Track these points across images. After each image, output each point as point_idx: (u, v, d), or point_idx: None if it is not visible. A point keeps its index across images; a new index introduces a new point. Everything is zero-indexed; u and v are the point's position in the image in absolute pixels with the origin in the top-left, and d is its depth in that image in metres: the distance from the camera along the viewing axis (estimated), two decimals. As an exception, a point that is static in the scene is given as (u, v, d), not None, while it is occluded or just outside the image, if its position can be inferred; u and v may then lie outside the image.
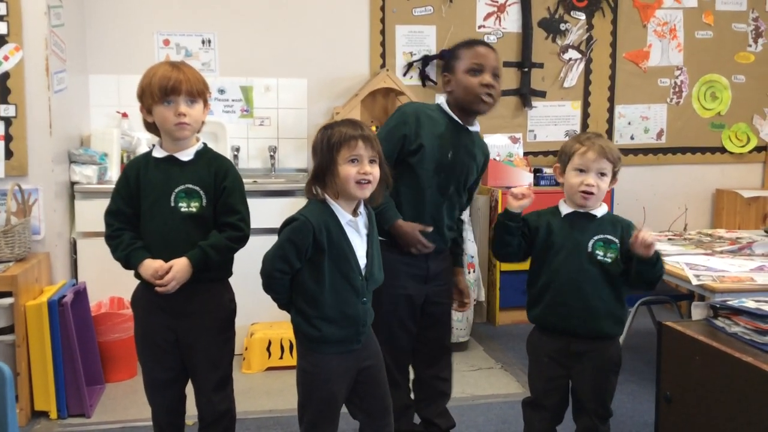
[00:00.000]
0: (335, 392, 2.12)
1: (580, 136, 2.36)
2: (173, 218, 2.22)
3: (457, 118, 2.52)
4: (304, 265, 2.06)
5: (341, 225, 2.07)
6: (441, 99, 2.62)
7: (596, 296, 2.26)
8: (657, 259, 2.21)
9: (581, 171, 2.27)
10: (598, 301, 2.26)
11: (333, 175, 2.04)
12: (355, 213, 2.11)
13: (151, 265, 2.21)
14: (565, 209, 2.34)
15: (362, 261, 2.11)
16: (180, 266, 2.19)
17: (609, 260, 2.26)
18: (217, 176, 2.26)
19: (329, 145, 2.04)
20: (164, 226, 2.23)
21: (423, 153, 2.46)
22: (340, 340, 2.11)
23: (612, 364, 2.32)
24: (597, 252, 2.26)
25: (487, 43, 2.56)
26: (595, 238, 2.28)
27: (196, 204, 2.23)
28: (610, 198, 4.48)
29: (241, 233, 2.27)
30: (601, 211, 2.32)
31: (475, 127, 2.60)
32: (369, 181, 2.04)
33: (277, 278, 2.06)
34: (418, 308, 2.57)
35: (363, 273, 2.11)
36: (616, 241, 2.28)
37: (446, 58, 2.60)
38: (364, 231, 2.14)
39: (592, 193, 2.26)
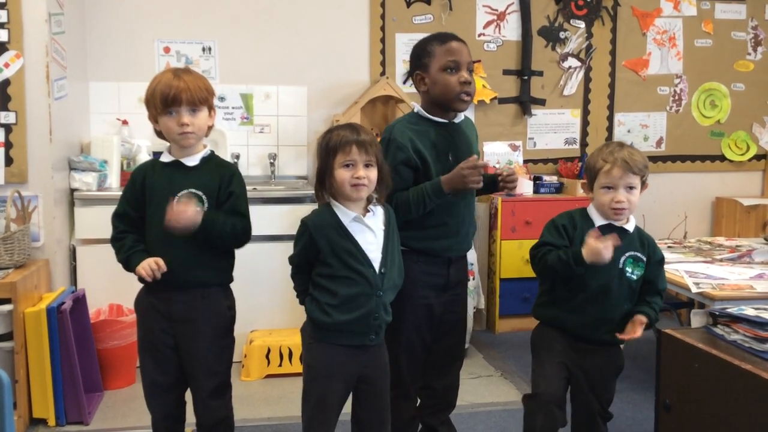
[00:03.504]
0: (334, 389, 2.16)
1: (603, 150, 2.31)
2: None
3: (439, 118, 2.47)
4: (315, 262, 2.16)
5: (342, 224, 2.13)
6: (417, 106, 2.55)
7: (618, 310, 2.29)
8: (654, 322, 2.29)
9: (609, 188, 2.26)
10: (618, 314, 2.30)
11: (330, 179, 2.12)
12: (366, 210, 2.17)
13: (146, 262, 2.22)
14: (598, 220, 2.31)
15: (375, 255, 2.15)
16: (193, 207, 2.18)
17: (635, 277, 2.29)
18: (222, 181, 2.28)
19: (327, 149, 2.13)
20: (164, 230, 2.24)
21: (427, 166, 2.42)
22: (350, 330, 2.14)
23: (616, 367, 2.38)
24: (626, 268, 2.28)
25: (458, 37, 2.47)
26: (627, 254, 2.28)
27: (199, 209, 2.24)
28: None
29: (246, 228, 2.28)
30: (631, 225, 2.32)
31: (459, 118, 2.53)
32: (364, 185, 2.10)
33: (294, 271, 2.24)
34: (437, 318, 2.52)
35: (377, 267, 2.15)
36: (644, 259, 2.30)
37: (416, 54, 2.49)
38: (380, 227, 2.19)
39: (624, 209, 2.25)
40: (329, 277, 2.14)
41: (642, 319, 2.27)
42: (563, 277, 2.27)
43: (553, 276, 2.31)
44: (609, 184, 2.26)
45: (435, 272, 2.48)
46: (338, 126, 2.19)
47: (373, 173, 2.12)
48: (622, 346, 2.42)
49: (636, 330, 2.25)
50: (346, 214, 2.14)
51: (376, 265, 2.15)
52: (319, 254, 2.13)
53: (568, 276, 2.26)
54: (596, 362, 2.32)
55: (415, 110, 2.51)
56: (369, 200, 2.19)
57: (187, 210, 2.14)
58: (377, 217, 2.20)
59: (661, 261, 2.36)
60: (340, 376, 2.16)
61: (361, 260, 2.13)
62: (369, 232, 2.16)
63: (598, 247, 2.14)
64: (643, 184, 2.31)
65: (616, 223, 2.31)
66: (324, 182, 2.14)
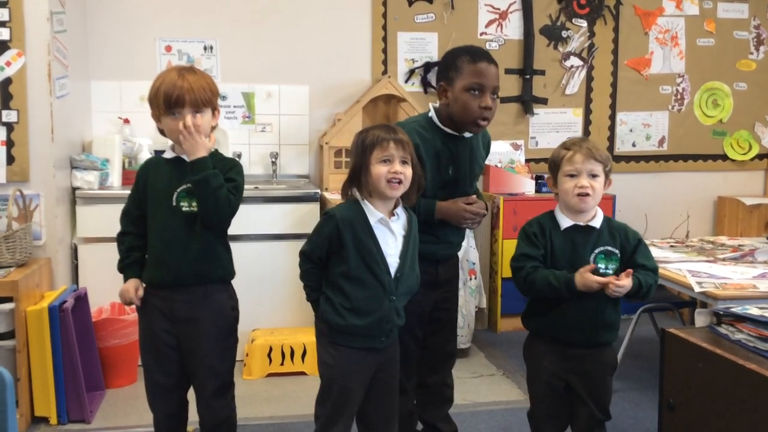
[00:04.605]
0: (353, 387, 2.19)
1: (565, 142, 2.34)
2: (174, 217, 2.25)
3: (449, 130, 2.47)
4: (333, 256, 2.16)
5: (369, 223, 2.15)
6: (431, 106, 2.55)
7: (598, 309, 2.27)
8: (638, 289, 2.22)
9: (572, 176, 2.26)
10: (600, 314, 2.28)
11: (366, 175, 2.14)
12: (391, 214, 2.18)
13: (123, 291, 2.31)
14: (564, 222, 2.30)
15: (393, 260, 2.18)
16: (204, 137, 2.21)
17: (611, 272, 2.26)
18: (223, 169, 2.27)
19: (363, 146, 2.15)
20: (165, 225, 2.26)
21: (424, 173, 2.39)
22: (363, 333, 2.16)
23: (609, 367, 2.36)
24: (599, 265, 2.26)
25: (489, 56, 2.43)
26: (597, 251, 2.27)
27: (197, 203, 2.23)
28: (611, 206, 4.47)
29: (234, 207, 2.25)
30: (598, 221, 2.30)
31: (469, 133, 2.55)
32: (400, 181, 2.12)
33: (303, 260, 2.21)
34: (426, 315, 2.55)
35: (393, 272, 2.17)
36: (617, 252, 2.28)
37: (445, 63, 2.49)
38: (401, 232, 2.21)
39: (587, 194, 2.24)
40: (344, 276, 2.15)
41: (629, 278, 2.20)
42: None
43: (538, 295, 2.33)
44: (572, 171, 2.25)
45: (423, 270, 2.46)
46: (373, 126, 2.22)
47: (408, 170, 2.14)
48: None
49: (620, 280, 2.18)
50: (373, 214, 2.16)
51: (393, 269, 2.17)
52: (341, 249, 2.14)
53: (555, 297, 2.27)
54: (590, 365, 2.31)
55: (429, 114, 2.51)
56: (396, 204, 2.20)
57: (195, 131, 2.17)
58: (400, 221, 2.21)
59: (638, 241, 2.31)
60: (358, 374, 2.19)
61: (380, 263, 2.15)
62: (390, 235, 2.18)
63: (591, 282, 2.17)
64: (607, 178, 2.30)
65: (581, 222, 2.29)
66: (358, 179, 2.16)
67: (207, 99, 2.24)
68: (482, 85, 2.37)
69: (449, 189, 2.50)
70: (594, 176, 2.25)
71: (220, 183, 2.19)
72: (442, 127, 2.47)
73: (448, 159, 2.47)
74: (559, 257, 2.29)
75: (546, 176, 2.41)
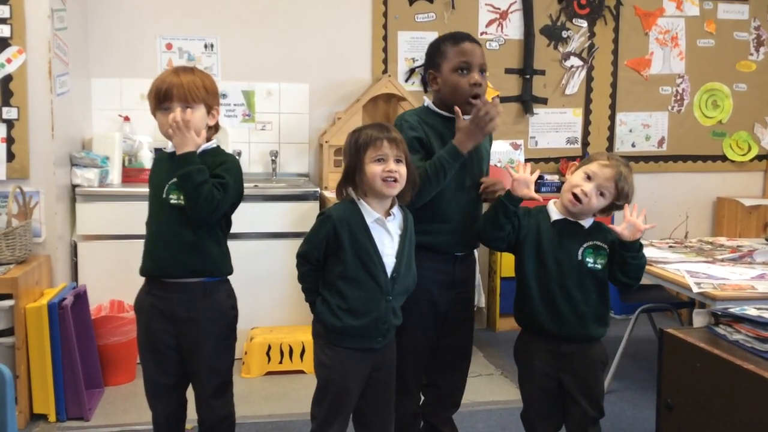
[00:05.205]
0: (350, 388, 2.18)
1: (619, 157, 2.37)
2: (163, 210, 2.26)
3: (448, 114, 2.47)
4: (330, 257, 2.17)
5: (366, 223, 2.15)
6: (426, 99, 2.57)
7: (585, 302, 2.29)
8: (641, 246, 2.26)
9: (588, 178, 2.28)
10: (587, 307, 2.30)
11: (361, 174, 2.13)
12: (387, 213, 2.18)
13: None
14: (555, 214, 2.34)
15: (389, 260, 2.17)
16: (193, 133, 2.20)
17: (599, 267, 2.29)
18: (213, 165, 2.25)
19: (357, 146, 2.15)
20: (156, 218, 2.29)
21: (432, 155, 2.42)
22: (360, 334, 2.16)
23: (599, 363, 2.36)
24: (587, 259, 2.29)
25: (471, 37, 2.47)
26: (585, 245, 2.30)
27: None
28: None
29: (219, 203, 2.19)
30: (588, 222, 2.34)
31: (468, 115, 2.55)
32: (395, 179, 2.12)
33: (300, 262, 2.21)
34: (442, 315, 2.52)
35: (389, 272, 2.16)
36: (606, 247, 2.31)
37: (430, 53, 2.51)
38: (397, 231, 2.20)
39: (580, 201, 2.27)
40: (341, 276, 2.14)
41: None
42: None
43: (496, 222, 2.33)
44: (590, 173, 2.28)
45: (440, 269, 2.47)
46: (366, 125, 2.22)
47: (403, 169, 2.14)
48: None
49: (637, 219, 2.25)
50: (369, 214, 2.16)
51: (389, 269, 2.17)
52: (339, 250, 2.14)
53: (504, 217, 2.29)
54: (580, 362, 2.32)
55: (426, 104, 2.53)
56: (392, 203, 2.20)
57: (184, 124, 2.17)
58: (396, 221, 2.21)
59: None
60: (354, 374, 2.19)
61: (376, 263, 2.14)
62: (387, 235, 2.18)
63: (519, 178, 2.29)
64: (610, 210, 2.33)
65: (570, 218, 2.32)
66: (352, 179, 2.15)
67: (198, 96, 2.24)
68: (468, 62, 2.40)
69: (457, 172, 2.43)
70: (601, 194, 2.28)
71: (204, 179, 2.18)
72: (440, 111, 2.48)
73: (452, 139, 2.45)
74: (547, 248, 2.31)
75: (572, 163, 2.43)
